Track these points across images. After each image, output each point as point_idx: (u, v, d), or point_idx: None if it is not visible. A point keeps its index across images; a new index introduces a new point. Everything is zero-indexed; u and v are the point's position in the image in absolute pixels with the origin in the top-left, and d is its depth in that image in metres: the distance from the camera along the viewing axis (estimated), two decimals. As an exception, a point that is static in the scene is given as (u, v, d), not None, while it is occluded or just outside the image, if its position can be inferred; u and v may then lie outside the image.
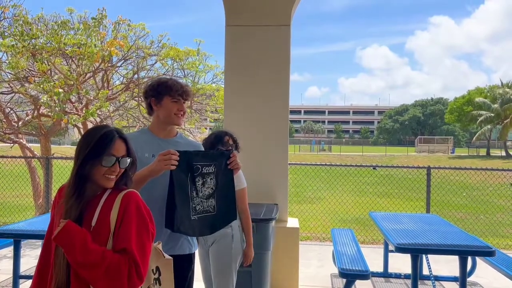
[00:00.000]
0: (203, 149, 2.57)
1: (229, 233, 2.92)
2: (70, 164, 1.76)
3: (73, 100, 8.43)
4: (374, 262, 5.26)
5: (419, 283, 3.72)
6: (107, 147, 1.68)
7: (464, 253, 3.51)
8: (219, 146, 2.95)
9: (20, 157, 8.52)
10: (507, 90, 45.11)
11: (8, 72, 7.91)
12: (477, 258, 4.66)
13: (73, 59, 8.29)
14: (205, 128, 14.63)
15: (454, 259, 3.82)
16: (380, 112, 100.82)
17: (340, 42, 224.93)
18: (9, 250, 4.97)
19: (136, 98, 9.14)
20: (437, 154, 46.69)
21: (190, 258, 2.39)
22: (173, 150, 2.13)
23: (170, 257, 1.88)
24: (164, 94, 2.35)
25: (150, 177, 2.14)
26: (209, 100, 10.61)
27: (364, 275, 3.63)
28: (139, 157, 1.98)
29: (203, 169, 2.25)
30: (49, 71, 7.98)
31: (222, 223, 2.37)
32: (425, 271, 4.57)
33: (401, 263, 5.19)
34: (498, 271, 3.94)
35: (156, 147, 2.32)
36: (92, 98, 8.26)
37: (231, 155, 2.37)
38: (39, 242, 5.83)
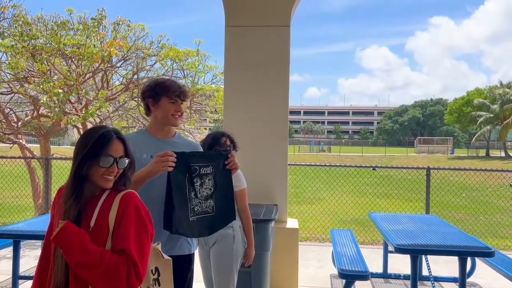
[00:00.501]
0: (201, 149, 2.56)
1: (230, 234, 2.92)
2: (70, 164, 1.75)
3: (72, 100, 8.43)
4: (374, 263, 5.27)
5: (418, 283, 3.72)
6: (105, 147, 1.68)
7: (463, 254, 3.51)
8: (217, 147, 2.94)
9: (19, 157, 8.51)
10: (507, 90, 45.17)
11: (7, 73, 7.91)
12: (477, 259, 4.66)
13: (73, 59, 8.29)
14: (205, 128, 14.63)
15: (454, 260, 3.82)
16: (379, 113, 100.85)
17: (340, 43, 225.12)
18: (8, 251, 4.96)
19: (136, 99, 9.14)
20: (436, 155, 46.71)
21: (189, 258, 2.39)
22: (170, 152, 2.11)
23: (169, 258, 1.88)
24: (161, 94, 2.34)
25: (148, 178, 2.13)
26: (209, 101, 10.61)
27: (364, 275, 3.63)
28: (137, 157, 1.97)
29: (201, 170, 2.23)
30: (48, 72, 7.97)
31: (221, 223, 2.36)
32: (425, 272, 4.57)
33: (401, 263, 5.18)
34: (498, 271, 3.94)
35: (155, 147, 2.31)
36: (91, 98, 8.26)
37: (229, 155, 2.35)
38: (39, 243, 5.82)
